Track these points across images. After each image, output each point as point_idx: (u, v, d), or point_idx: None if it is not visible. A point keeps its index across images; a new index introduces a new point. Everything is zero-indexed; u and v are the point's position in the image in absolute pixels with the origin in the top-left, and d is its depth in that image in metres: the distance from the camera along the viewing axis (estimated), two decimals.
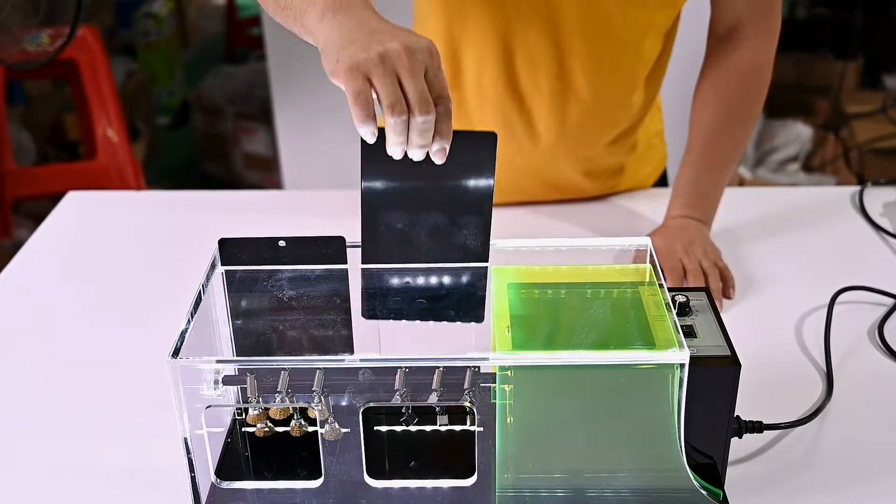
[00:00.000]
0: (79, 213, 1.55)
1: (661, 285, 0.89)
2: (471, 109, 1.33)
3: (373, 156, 0.87)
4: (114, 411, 1.05)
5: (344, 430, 0.82)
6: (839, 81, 3.12)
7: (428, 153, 0.84)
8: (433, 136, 0.83)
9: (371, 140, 0.84)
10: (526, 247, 0.95)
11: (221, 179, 3.53)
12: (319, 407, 0.81)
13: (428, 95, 0.82)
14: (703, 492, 0.84)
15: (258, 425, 0.90)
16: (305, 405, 0.82)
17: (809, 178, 3.09)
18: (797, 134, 3.13)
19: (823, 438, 0.99)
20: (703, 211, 1.33)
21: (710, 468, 0.86)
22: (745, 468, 0.95)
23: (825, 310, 1.19)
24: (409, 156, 0.84)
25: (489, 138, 0.87)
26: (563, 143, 1.36)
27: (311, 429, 0.88)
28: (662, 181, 1.59)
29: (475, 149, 0.87)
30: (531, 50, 1.26)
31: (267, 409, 0.89)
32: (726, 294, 1.23)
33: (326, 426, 0.81)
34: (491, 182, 0.89)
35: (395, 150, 0.84)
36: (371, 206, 0.91)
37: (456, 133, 0.84)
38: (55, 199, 1.59)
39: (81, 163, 2.88)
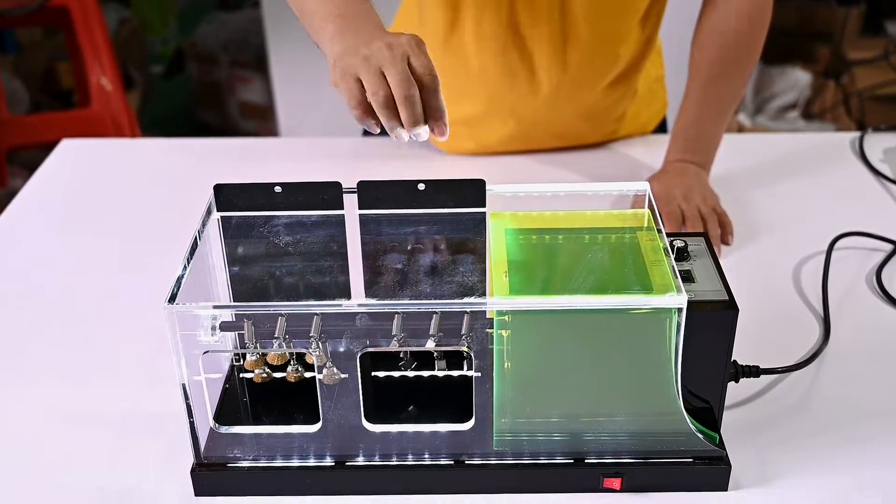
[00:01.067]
0: (73, 160, 1.54)
1: (659, 230, 0.89)
2: (470, 55, 1.32)
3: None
4: (111, 358, 1.05)
5: (342, 375, 0.82)
6: (841, 27, 3.09)
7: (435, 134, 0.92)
8: (425, 115, 0.91)
9: (376, 131, 0.94)
10: (524, 192, 0.94)
11: (217, 128, 3.51)
12: (317, 352, 0.81)
13: (408, 75, 0.90)
14: (700, 435, 0.84)
15: (256, 371, 0.91)
16: (303, 351, 0.82)
17: (809, 126, 3.07)
18: (796, 80, 3.11)
19: (820, 383, 1.00)
20: (701, 155, 1.32)
21: (707, 412, 0.86)
22: (741, 412, 0.95)
23: (823, 255, 1.19)
24: (413, 137, 0.92)
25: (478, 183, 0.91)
26: (564, 87, 1.34)
27: (308, 374, 0.89)
28: (662, 128, 1.58)
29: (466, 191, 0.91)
30: None
31: (265, 355, 0.89)
32: (724, 240, 1.23)
33: (324, 371, 0.82)
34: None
35: (397, 135, 0.92)
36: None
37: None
38: (49, 148, 1.58)
39: (75, 111, 2.86)
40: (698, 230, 1.22)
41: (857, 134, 1.52)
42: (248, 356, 0.89)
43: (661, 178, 1.31)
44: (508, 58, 1.31)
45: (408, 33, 0.94)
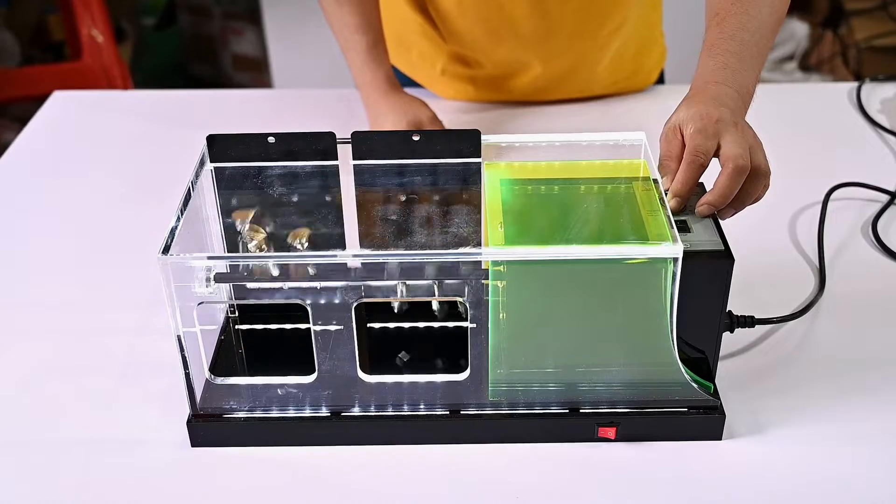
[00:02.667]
0: (65, 113, 1.53)
1: (654, 180, 0.89)
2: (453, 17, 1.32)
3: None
4: (105, 311, 1.05)
5: (336, 327, 0.82)
6: None
7: None
8: None
9: None
10: (519, 142, 0.94)
11: (209, 81, 3.48)
12: (311, 302, 0.81)
13: None
14: (694, 385, 0.85)
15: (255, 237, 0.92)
16: (298, 301, 0.82)
17: (806, 77, 3.05)
18: (793, 32, 3.08)
19: (814, 333, 1.00)
20: (741, 80, 0.97)
21: (702, 362, 0.87)
22: (736, 362, 0.96)
23: (819, 206, 1.19)
24: None
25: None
26: (552, 40, 1.33)
27: (303, 326, 0.89)
28: (660, 81, 1.56)
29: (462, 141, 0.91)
30: None
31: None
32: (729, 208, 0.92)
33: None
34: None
35: None
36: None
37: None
38: (40, 101, 1.57)
39: (67, 64, 2.84)
40: (738, 182, 0.87)
41: (854, 84, 1.51)
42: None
43: (695, 102, 0.93)
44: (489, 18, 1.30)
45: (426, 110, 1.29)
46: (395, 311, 0.95)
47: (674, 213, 0.86)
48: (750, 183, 0.88)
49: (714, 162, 0.88)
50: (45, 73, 2.68)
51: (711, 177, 0.87)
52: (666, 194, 0.87)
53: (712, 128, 0.88)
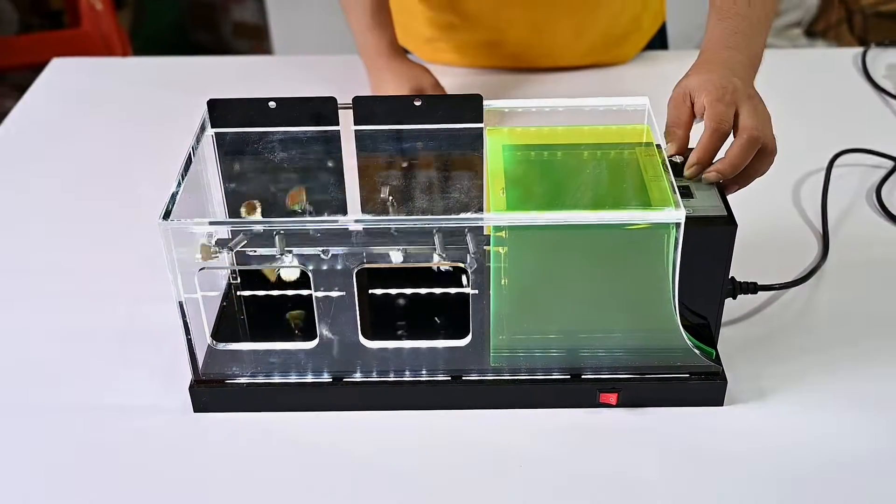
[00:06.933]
0: (64, 80, 1.52)
1: (658, 146, 0.88)
2: None
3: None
4: (108, 276, 1.06)
5: (337, 294, 0.83)
6: None
7: None
8: None
9: None
10: (521, 107, 0.94)
11: (210, 49, 3.46)
12: (313, 268, 0.81)
13: None
14: (696, 351, 0.85)
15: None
16: (300, 267, 0.82)
17: (811, 44, 3.03)
18: None
19: (817, 300, 1.00)
20: (752, 45, 0.96)
21: (704, 328, 0.87)
22: (738, 329, 0.96)
23: (823, 172, 1.19)
24: None
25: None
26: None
27: (305, 292, 0.89)
28: (661, 41, 1.55)
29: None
30: None
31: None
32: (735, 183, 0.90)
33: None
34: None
35: None
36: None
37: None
38: (39, 69, 1.56)
39: (66, 31, 2.82)
40: (751, 152, 0.87)
41: (860, 50, 1.50)
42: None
43: (704, 69, 0.92)
44: None
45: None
46: (398, 275, 0.94)
47: (691, 179, 0.86)
48: (757, 159, 0.88)
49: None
50: (43, 41, 2.67)
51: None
52: (670, 161, 0.86)
53: (729, 97, 0.87)
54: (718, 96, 0.87)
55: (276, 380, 0.87)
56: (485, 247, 0.80)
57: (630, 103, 0.93)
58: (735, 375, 0.89)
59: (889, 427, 0.85)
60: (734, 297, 0.92)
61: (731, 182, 0.88)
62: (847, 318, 0.97)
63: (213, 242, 0.81)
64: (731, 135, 0.87)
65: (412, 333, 0.91)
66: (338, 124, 0.91)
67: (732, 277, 0.91)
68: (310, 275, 0.82)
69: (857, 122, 1.32)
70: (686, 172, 0.86)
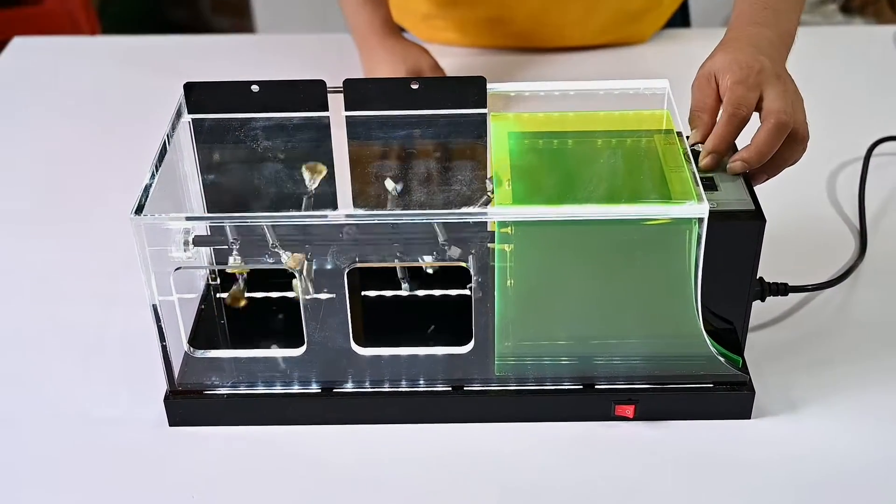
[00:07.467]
0: (26, 60, 1.53)
1: (679, 133, 0.89)
2: None
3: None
4: (75, 277, 1.06)
5: (327, 296, 0.83)
6: None
7: None
8: None
9: None
10: (529, 91, 0.94)
11: (186, 27, 3.46)
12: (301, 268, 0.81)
13: None
14: (721, 359, 0.85)
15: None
16: (285, 267, 0.82)
17: (847, 20, 3.03)
18: None
19: (854, 302, 1.00)
20: (783, 22, 0.97)
21: (730, 334, 0.87)
22: (767, 334, 0.96)
23: (861, 162, 1.19)
24: None
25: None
26: None
27: (291, 294, 0.89)
28: (683, 18, 1.55)
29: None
30: None
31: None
32: (763, 172, 0.90)
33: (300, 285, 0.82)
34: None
35: None
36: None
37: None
38: (0, 47, 1.57)
39: (27, 8, 2.82)
40: (780, 138, 0.86)
41: None
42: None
43: (730, 48, 0.92)
44: None
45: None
46: (393, 275, 0.95)
47: (706, 172, 0.86)
48: (787, 146, 0.87)
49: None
50: (4, 19, 2.67)
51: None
52: (693, 149, 0.87)
53: (754, 79, 0.87)
54: (741, 77, 0.87)
55: (260, 390, 0.87)
56: (488, 244, 0.81)
57: (648, 86, 0.93)
58: (764, 385, 0.89)
59: None
60: (762, 300, 0.93)
61: (759, 172, 0.88)
62: (886, 323, 0.98)
63: (192, 240, 0.81)
64: (759, 120, 0.87)
65: (409, 339, 0.91)
66: (327, 110, 0.91)
67: (761, 278, 0.91)
68: (296, 275, 0.82)
69: None
70: (700, 164, 0.86)
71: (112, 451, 0.86)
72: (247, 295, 0.96)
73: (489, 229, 0.81)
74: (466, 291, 0.91)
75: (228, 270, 0.93)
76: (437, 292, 0.96)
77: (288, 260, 0.81)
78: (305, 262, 0.81)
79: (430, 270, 0.92)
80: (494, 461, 0.84)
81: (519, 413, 0.87)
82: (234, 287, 0.94)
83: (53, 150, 1.29)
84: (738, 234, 0.82)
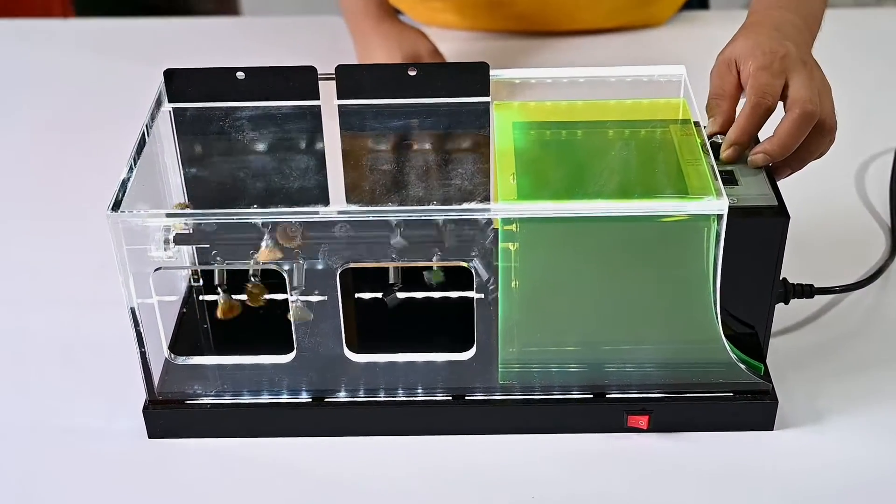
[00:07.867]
0: None
1: (696, 123, 0.89)
2: None
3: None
4: (48, 277, 1.06)
5: (318, 298, 0.83)
6: None
7: None
8: None
9: None
10: (535, 78, 0.94)
11: (166, 10, 3.46)
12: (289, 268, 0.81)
13: None
14: (742, 365, 0.85)
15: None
16: (274, 268, 0.82)
17: (879, 2, 3.04)
18: None
19: (885, 304, 1.00)
20: (809, 4, 0.98)
21: (751, 339, 0.87)
22: (791, 339, 0.96)
23: (892, 154, 1.19)
24: None
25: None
26: None
27: (280, 296, 0.89)
28: (703, 6, 1.56)
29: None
30: None
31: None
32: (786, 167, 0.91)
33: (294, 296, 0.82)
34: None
35: None
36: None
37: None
38: None
39: None
40: (807, 128, 0.86)
41: None
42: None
43: (752, 33, 0.92)
44: None
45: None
46: (388, 276, 0.95)
47: (726, 165, 0.86)
48: (813, 137, 0.87)
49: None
50: None
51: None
52: (711, 140, 0.87)
53: (778, 65, 0.87)
54: (765, 64, 0.87)
55: (246, 400, 0.87)
56: (491, 244, 0.81)
57: (663, 73, 0.93)
58: (787, 394, 0.89)
59: None
60: (786, 302, 0.93)
61: (783, 165, 0.88)
62: None
63: (172, 239, 0.81)
64: (783, 110, 0.88)
65: (406, 345, 0.91)
66: (318, 98, 0.91)
67: (784, 279, 0.91)
68: (285, 276, 0.82)
69: None
70: (722, 155, 0.86)
71: (87, 465, 0.86)
72: (234, 298, 0.97)
73: (492, 227, 0.81)
74: (468, 293, 0.91)
75: (212, 269, 0.93)
76: (436, 294, 0.96)
77: (257, 255, 0.80)
78: (297, 264, 0.81)
79: (432, 283, 0.92)
80: (497, 475, 0.84)
81: (524, 424, 0.88)
82: (223, 300, 0.94)
83: (24, 141, 1.29)
84: (759, 231, 0.82)
